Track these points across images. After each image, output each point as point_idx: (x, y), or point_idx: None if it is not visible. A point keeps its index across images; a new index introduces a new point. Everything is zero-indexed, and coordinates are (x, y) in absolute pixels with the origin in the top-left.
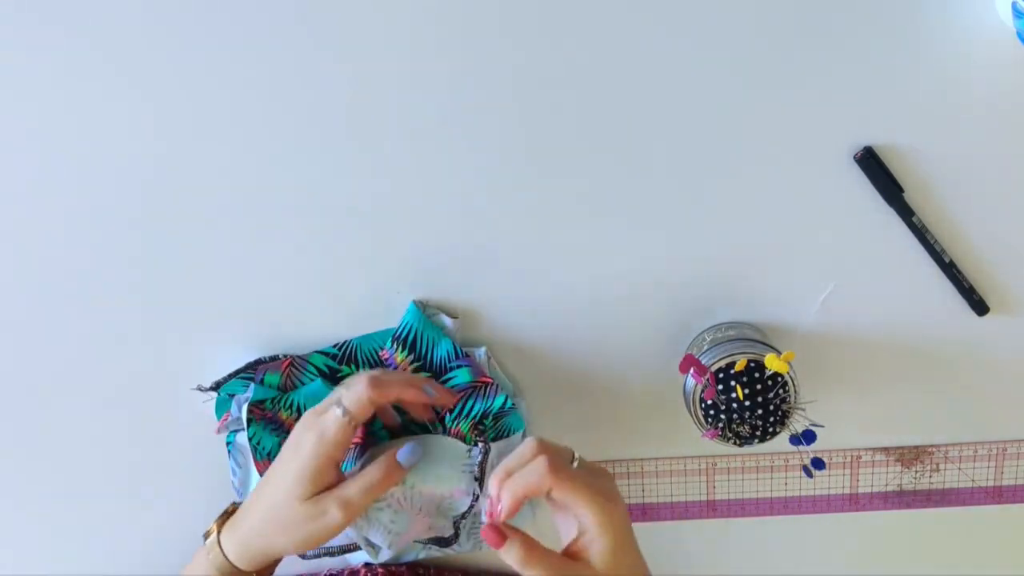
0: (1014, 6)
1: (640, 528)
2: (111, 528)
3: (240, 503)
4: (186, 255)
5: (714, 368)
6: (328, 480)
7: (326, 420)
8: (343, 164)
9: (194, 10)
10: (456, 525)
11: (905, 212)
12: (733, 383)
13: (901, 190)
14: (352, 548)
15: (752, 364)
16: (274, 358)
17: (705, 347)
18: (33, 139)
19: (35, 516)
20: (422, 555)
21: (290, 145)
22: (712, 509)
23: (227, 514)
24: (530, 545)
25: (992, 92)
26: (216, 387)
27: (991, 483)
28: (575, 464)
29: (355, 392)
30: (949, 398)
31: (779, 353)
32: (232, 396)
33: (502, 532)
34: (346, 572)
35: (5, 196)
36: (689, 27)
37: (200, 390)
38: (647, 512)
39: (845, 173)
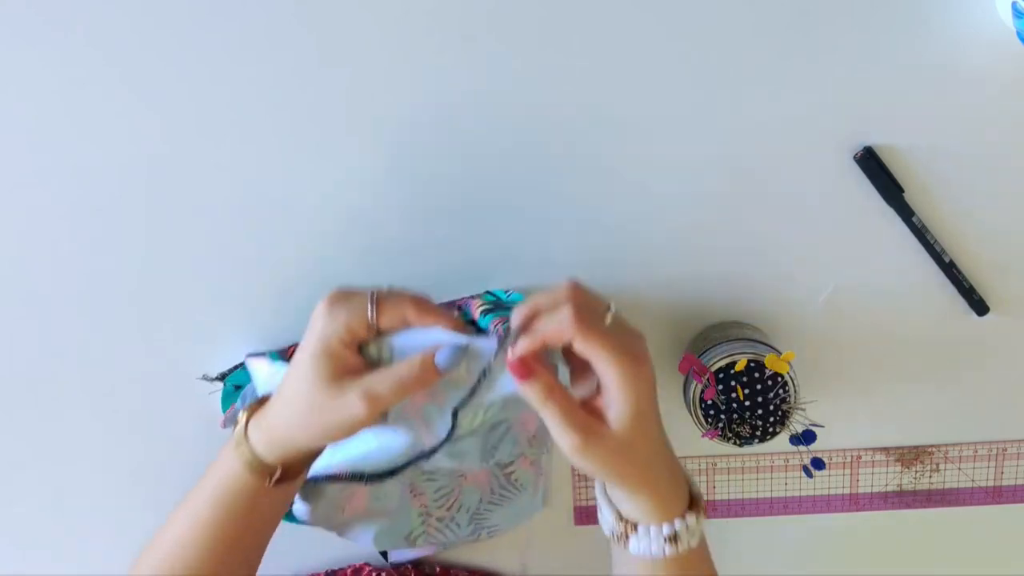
0: (1014, 6)
1: None
2: (112, 526)
3: (269, 395)
4: (188, 250)
5: (714, 368)
6: (345, 362)
7: (352, 300)
8: (347, 161)
9: (195, 9)
10: (454, 416)
11: (905, 212)
12: (733, 383)
13: (901, 190)
14: (360, 477)
15: (752, 364)
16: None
17: (705, 347)
18: (35, 135)
19: (35, 515)
20: (421, 543)
21: (294, 141)
22: (712, 509)
23: (257, 403)
24: (552, 386)
25: (992, 92)
26: (222, 377)
27: (991, 483)
28: (608, 319)
29: (396, 298)
30: (949, 398)
31: (779, 353)
32: (238, 388)
33: (529, 366)
34: (349, 570)
35: (7, 192)
36: (689, 28)
37: (206, 379)
38: None
39: (845, 173)
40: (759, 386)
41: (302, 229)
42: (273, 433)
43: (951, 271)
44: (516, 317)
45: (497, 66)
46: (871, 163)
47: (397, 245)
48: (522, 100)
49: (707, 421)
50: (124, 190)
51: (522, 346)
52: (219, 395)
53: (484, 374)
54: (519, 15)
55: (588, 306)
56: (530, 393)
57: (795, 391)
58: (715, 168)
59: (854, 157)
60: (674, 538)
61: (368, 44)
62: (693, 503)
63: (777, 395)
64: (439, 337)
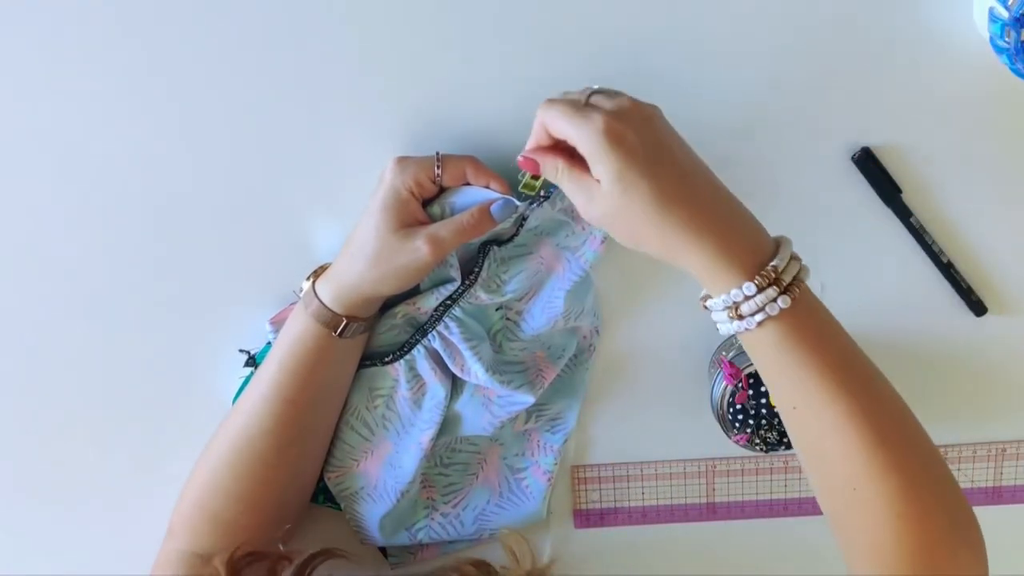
0: (991, 12)
1: (640, 531)
2: (117, 522)
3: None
4: (197, 244)
5: (745, 372)
6: (412, 212)
7: (418, 159)
8: (353, 153)
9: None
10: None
11: (903, 213)
12: (764, 388)
13: (899, 191)
14: (403, 351)
15: None
16: None
17: (733, 352)
18: (51, 125)
19: (37, 512)
20: (422, 536)
21: (306, 130)
22: (712, 512)
23: (318, 270)
24: (557, 163)
25: (990, 94)
26: (251, 360)
27: (990, 483)
28: (588, 98)
29: (457, 158)
30: (947, 399)
31: None
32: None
33: (532, 160)
34: None
35: (17, 187)
36: (689, 29)
37: (243, 352)
38: (647, 515)
39: (843, 174)
40: None
41: (306, 226)
42: (341, 283)
43: (949, 271)
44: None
45: (500, 64)
46: (869, 163)
47: None
48: (521, 101)
49: (734, 426)
50: (131, 180)
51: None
52: (238, 382)
53: (521, 221)
54: (516, 18)
55: (563, 102)
56: (547, 175)
57: None
58: (713, 169)
59: (852, 157)
60: (736, 310)
61: (369, 41)
62: (777, 269)
63: None
64: (491, 195)
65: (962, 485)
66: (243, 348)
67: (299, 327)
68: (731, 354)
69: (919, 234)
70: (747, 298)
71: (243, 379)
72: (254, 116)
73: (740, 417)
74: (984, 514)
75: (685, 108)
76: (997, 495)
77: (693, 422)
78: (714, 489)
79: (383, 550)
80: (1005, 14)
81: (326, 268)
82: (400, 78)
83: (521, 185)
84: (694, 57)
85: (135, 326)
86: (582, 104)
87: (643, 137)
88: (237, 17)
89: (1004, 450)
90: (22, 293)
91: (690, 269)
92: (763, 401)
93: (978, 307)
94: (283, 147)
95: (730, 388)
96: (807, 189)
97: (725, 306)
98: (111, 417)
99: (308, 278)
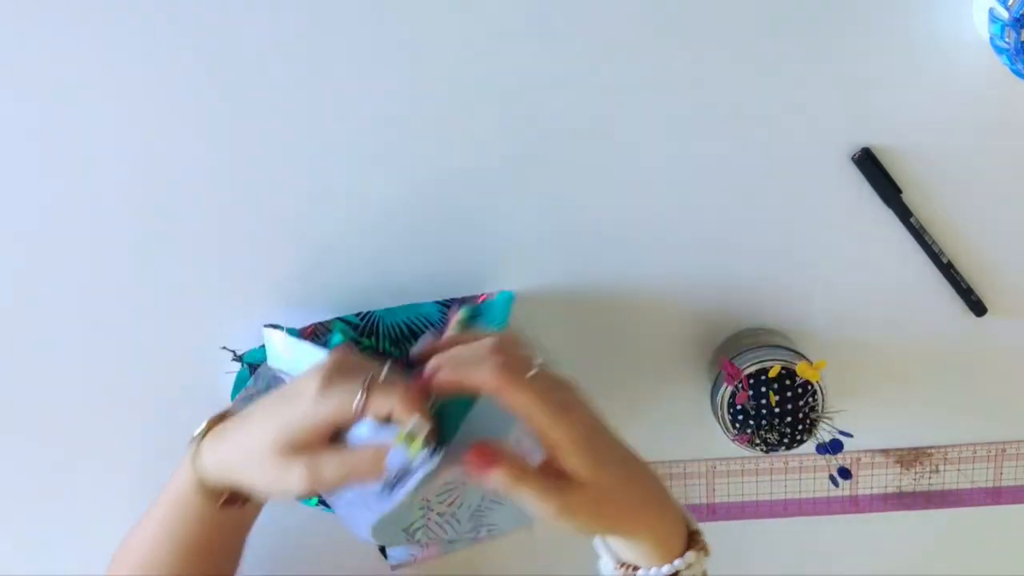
0: (991, 12)
1: None
2: (115, 522)
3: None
4: (201, 241)
5: (745, 373)
6: (310, 443)
7: (344, 386)
8: (355, 155)
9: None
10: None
11: (903, 213)
12: (764, 389)
13: (899, 191)
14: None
15: (783, 371)
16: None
17: (734, 352)
18: (50, 124)
19: (34, 515)
20: (420, 536)
21: (305, 135)
22: (712, 512)
23: (220, 417)
24: (519, 466)
25: (990, 94)
26: (239, 357)
27: (990, 484)
28: (532, 373)
29: (387, 391)
30: (948, 399)
31: (811, 361)
32: (253, 369)
33: (491, 453)
34: None
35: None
36: (688, 29)
37: (228, 351)
38: None
39: (843, 174)
40: (789, 393)
41: (335, 209)
42: (220, 464)
43: (949, 272)
44: (432, 362)
45: (500, 68)
46: (869, 164)
47: (405, 243)
48: (525, 103)
49: (734, 426)
50: (131, 179)
51: (440, 378)
52: (232, 379)
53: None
54: (518, 15)
55: (514, 361)
56: (499, 481)
57: (823, 399)
58: (712, 169)
59: (852, 158)
60: None
61: (369, 44)
62: (692, 539)
63: (807, 403)
64: (391, 439)
65: (962, 486)
66: (225, 346)
67: (181, 483)
68: (731, 354)
69: (919, 234)
70: (689, 565)
71: (236, 374)
72: (254, 115)
73: (740, 417)
74: (984, 514)
75: (684, 108)
76: (997, 495)
77: (693, 422)
78: (714, 489)
79: (383, 550)
80: (1005, 15)
81: (225, 419)
82: (401, 77)
83: (401, 437)
84: (693, 56)
85: (134, 325)
86: (561, 400)
87: (597, 421)
88: (237, 16)
89: (1004, 450)
90: (20, 292)
91: (647, 542)
92: (763, 401)
93: (978, 307)
94: (283, 145)
95: (730, 388)
96: (806, 190)
97: (668, 573)
98: (109, 416)
99: (208, 421)
